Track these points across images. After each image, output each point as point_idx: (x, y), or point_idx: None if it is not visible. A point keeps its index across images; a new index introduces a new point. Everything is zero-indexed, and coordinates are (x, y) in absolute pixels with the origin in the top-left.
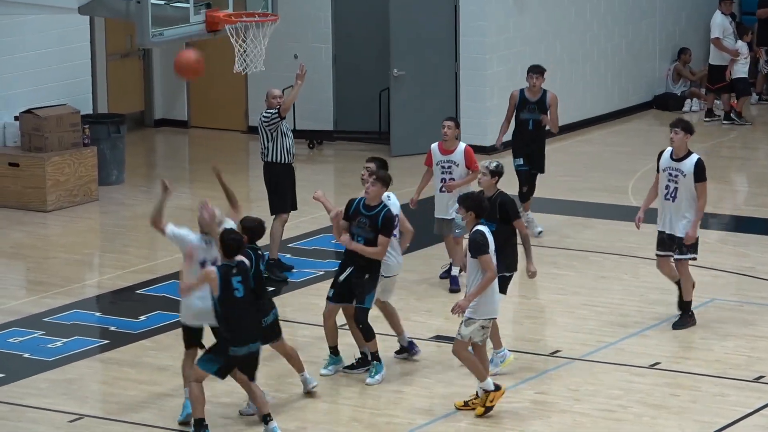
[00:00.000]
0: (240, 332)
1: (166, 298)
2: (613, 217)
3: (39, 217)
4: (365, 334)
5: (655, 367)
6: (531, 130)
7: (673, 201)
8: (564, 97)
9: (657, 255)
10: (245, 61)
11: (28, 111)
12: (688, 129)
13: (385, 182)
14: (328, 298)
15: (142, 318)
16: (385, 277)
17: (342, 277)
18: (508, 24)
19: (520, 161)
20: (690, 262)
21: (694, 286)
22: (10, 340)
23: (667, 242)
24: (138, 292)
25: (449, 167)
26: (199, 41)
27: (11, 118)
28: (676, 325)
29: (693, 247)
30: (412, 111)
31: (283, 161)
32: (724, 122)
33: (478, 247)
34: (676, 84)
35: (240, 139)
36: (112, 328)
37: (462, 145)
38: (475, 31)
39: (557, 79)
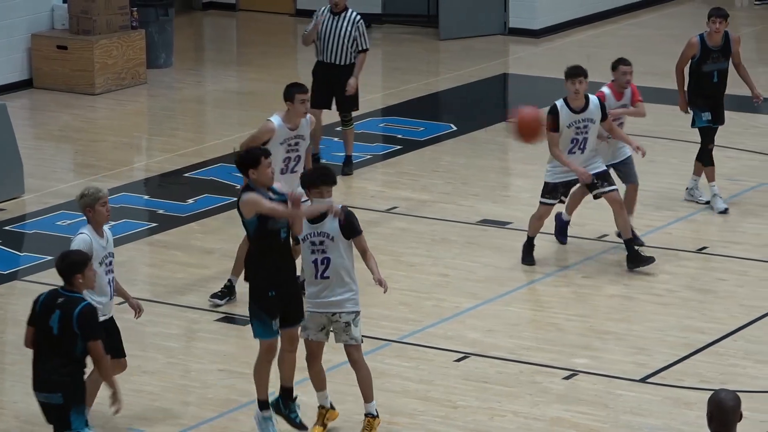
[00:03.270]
0: None
1: (214, 182)
2: (662, 101)
3: (87, 99)
4: None
5: (703, 251)
6: (716, 82)
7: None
8: None
9: None
10: None
11: None
12: None
13: None
14: None
15: (190, 201)
16: None
17: None
18: None
19: (709, 115)
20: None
21: None
22: (58, 223)
23: None
24: (186, 175)
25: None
26: None
27: (60, 0)
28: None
29: None
30: None
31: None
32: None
33: None
34: None
35: (288, 22)
36: (161, 211)
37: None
38: None
39: None
